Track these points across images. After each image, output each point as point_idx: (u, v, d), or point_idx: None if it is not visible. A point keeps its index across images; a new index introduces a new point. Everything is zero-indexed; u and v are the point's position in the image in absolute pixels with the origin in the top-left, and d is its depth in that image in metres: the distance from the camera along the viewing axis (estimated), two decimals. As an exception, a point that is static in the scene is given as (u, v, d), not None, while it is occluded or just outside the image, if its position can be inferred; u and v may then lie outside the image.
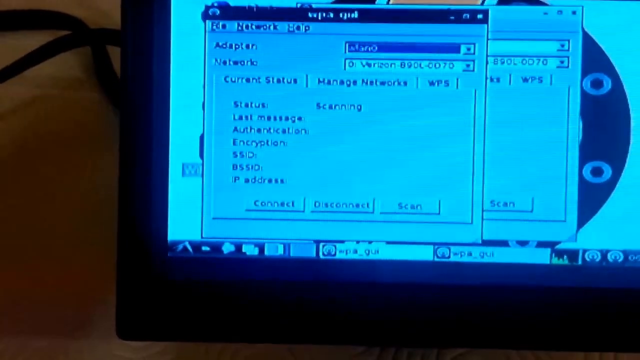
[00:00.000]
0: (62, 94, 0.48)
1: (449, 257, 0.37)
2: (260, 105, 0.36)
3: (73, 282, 0.43)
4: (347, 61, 0.36)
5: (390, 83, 0.36)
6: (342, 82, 0.36)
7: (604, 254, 0.36)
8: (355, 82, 0.36)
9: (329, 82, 0.36)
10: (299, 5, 0.36)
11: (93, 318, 0.42)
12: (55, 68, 0.47)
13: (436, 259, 0.37)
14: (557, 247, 0.36)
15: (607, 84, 0.36)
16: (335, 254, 0.37)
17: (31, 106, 0.47)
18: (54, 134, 0.47)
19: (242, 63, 0.36)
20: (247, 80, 0.36)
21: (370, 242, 0.37)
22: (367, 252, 0.37)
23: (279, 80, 0.36)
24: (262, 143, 0.36)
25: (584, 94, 0.36)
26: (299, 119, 0.36)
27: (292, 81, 0.36)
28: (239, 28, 0.36)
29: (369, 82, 0.36)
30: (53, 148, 0.47)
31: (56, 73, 0.48)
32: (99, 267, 0.42)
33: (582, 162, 0.36)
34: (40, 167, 0.46)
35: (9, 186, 0.46)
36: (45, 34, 0.49)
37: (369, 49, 0.36)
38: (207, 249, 0.37)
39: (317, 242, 0.37)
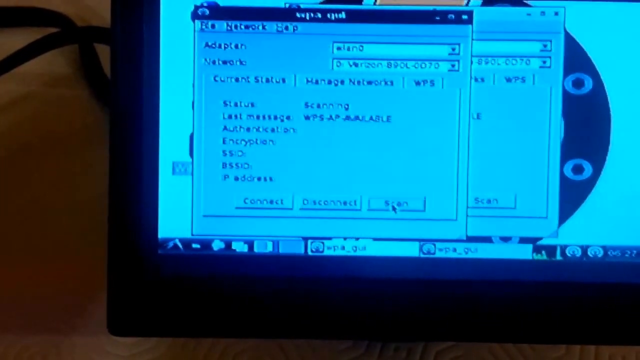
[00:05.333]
0: (49, 91, 0.48)
1: (434, 253, 0.37)
2: (250, 105, 0.37)
3: (64, 279, 0.43)
4: (335, 61, 0.37)
5: (376, 83, 0.37)
6: (329, 82, 0.37)
7: (584, 249, 0.37)
8: (342, 82, 0.37)
9: (316, 82, 0.37)
10: (287, 6, 0.37)
11: (84, 315, 0.43)
12: (42, 66, 0.48)
13: (422, 255, 0.37)
14: (539, 242, 0.37)
15: (588, 84, 0.37)
16: (323, 251, 0.37)
17: (18, 104, 0.48)
18: (42, 131, 0.47)
19: (231, 63, 0.37)
20: (237, 79, 0.37)
21: (357, 239, 0.37)
22: (354, 248, 0.37)
23: (267, 80, 0.37)
24: (252, 142, 0.37)
25: (565, 94, 0.37)
26: (287, 118, 0.37)
27: (281, 81, 0.37)
28: (228, 28, 0.37)
29: (356, 82, 0.37)
30: (41, 146, 0.47)
31: (43, 70, 0.48)
32: (89, 264, 0.42)
33: (564, 160, 0.37)
34: (28, 165, 0.47)
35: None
36: (31, 31, 0.49)
37: (356, 49, 0.37)
38: (197, 246, 0.37)
39: (305, 238, 0.37)
